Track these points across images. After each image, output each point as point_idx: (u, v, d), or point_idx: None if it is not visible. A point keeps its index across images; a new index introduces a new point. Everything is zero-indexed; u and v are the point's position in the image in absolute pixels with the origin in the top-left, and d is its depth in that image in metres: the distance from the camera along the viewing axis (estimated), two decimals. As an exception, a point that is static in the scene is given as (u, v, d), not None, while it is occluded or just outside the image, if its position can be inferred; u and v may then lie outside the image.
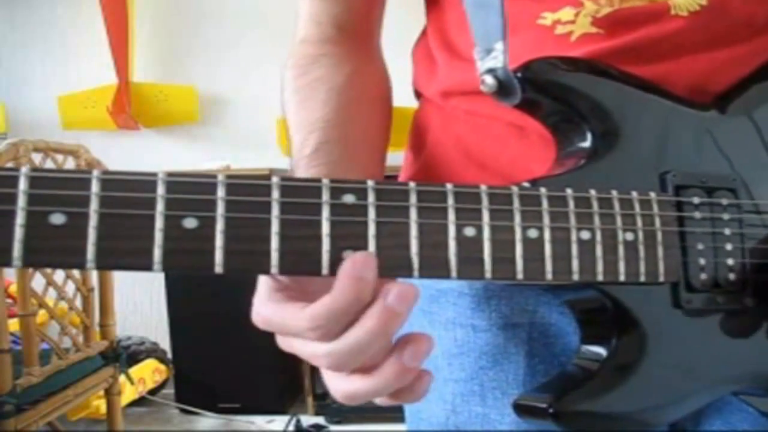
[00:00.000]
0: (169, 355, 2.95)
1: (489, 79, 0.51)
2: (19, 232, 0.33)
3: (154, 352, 2.95)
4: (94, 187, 0.34)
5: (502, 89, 0.51)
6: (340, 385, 0.42)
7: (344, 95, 0.60)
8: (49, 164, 1.81)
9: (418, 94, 0.70)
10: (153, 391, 2.88)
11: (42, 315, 1.82)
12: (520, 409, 0.51)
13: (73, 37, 3.28)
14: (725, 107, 0.55)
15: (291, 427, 2.62)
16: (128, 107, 3.11)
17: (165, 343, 2.95)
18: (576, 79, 0.52)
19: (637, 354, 0.49)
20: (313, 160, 0.53)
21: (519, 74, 0.50)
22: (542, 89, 0.51)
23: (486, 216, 0.42)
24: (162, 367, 2.91)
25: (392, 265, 0.39)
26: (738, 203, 0.52)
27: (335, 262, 0.38)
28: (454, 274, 0.40)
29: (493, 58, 0.52)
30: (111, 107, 3.09)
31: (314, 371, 2.67)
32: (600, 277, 0.45)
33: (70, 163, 1.93)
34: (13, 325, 1.75)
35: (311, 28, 0.67)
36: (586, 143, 0.51)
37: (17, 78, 3.32)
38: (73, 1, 3.26)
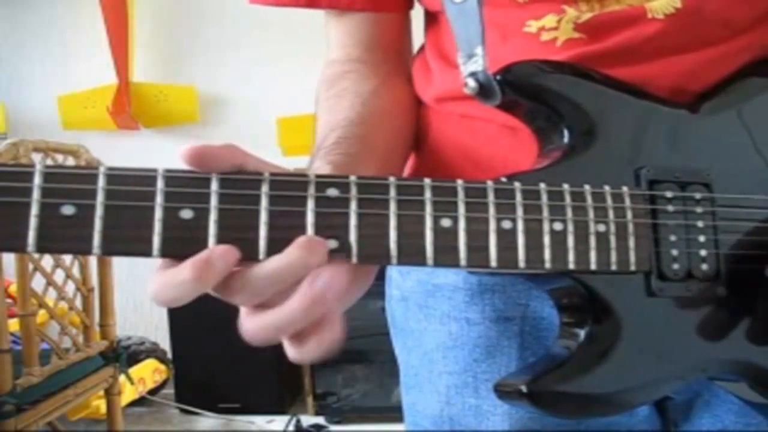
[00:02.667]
0: (169, 355, 2.95)
1: (471, 82, 0.54)
2: (33, 222, 0.36)
3: (154, 352, 2.95)
4: (101, 181, 0.38)
5: (483, 91, 0.54)
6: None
7: (369, 102, 0.62)
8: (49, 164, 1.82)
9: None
10: (153, 391, 2.88)
11: (42, 315, 1.83)
12: (499, 392, 0.52)
13: (73, 37, 3.27)
14: (701, 106, 0.56)
15: (291, 427, 2.62)
16: (128, 107, 3.10)
17: (165, 343, 2.95)
18: (552, 80, 0.54)
19: (611, 339, 0.50)
20: (332, 150, 0.54)
21: (498, 77, 0.53)
22: (520, 90, 0.53)
23: (462, 208, 0.44)
24: (162, 367, 2.91)
25: (372, 254, 0.42)
26: (711, 197, 0.53)
27: None
28: (430, 262, 0.43)
29: (474, 62, 0.54)
30: (111, 107, 3.09)
31: (314, 371, 2.68)
32: (572, 266, 0.47)
33: (70, 163, 1.94)
34: (13, 325, 1.76)
35: (339, 51, 0.70)
36: (564, 141, 0.53)
37: (17, 78, 3.32)
38: (73, 1, 3.25)
